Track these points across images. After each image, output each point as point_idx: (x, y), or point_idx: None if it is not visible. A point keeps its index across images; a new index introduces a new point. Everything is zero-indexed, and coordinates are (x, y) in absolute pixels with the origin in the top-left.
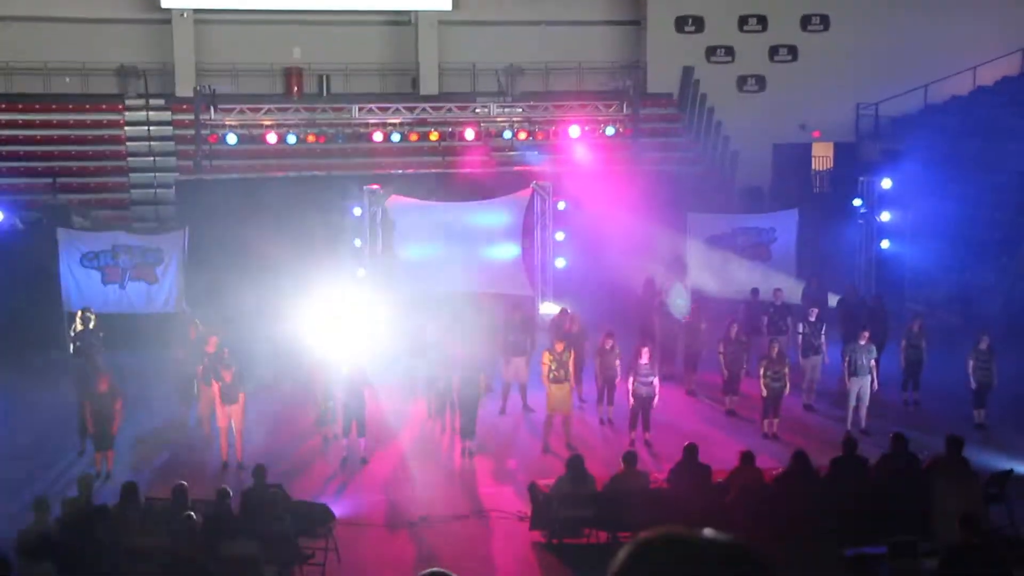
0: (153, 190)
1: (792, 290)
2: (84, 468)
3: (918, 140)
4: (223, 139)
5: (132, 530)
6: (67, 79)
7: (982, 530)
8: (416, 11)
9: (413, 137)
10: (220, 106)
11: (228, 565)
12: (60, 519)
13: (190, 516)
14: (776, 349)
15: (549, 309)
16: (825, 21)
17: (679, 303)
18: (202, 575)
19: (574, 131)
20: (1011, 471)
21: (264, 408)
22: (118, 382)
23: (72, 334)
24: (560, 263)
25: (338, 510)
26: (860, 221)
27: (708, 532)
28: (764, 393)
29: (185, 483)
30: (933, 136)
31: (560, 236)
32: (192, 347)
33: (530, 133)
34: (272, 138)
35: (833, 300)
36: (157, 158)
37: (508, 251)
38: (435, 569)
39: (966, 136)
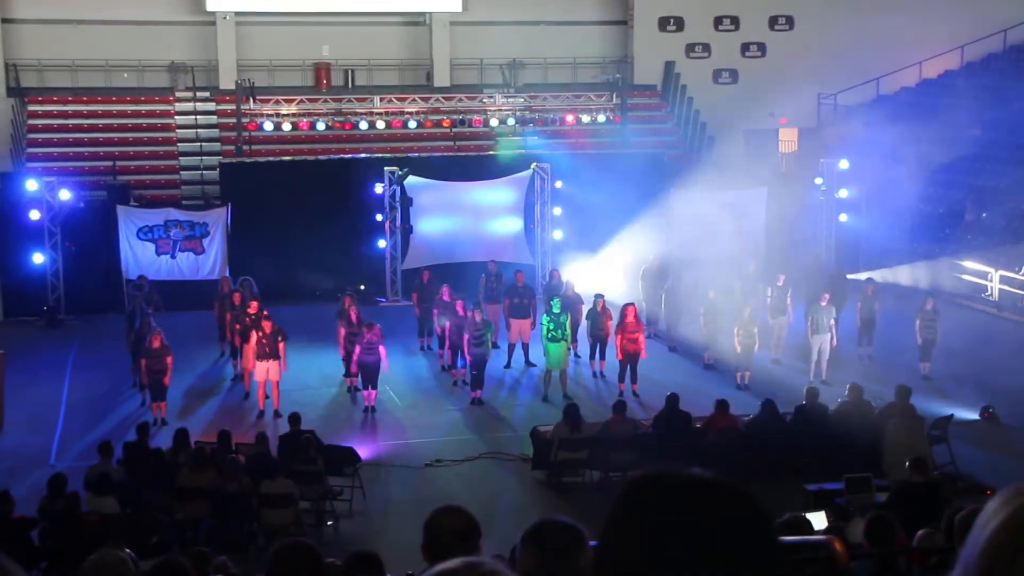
0: (200, 172)
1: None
2: (142, 416)
3: (871, 126)
4: (261, 127)
5: (184, 470)
6: (125, 75)
7: (928, 470)
8: (430, 12)
9: (428, 124)
10: (258, 97)
11: (268, 500)
12: (121, 460)
13: (234, 458)
14: (747, 311)
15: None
16: (790, 21)
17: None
18: (245, 509)
19: (569, 118)
20: (952, 416)
21: (297, 364)
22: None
23: (129, 298)
24: (558, 235)
25: (363, 453)
26: (821, 197)
27: (696, 470)
28: (737, 349)
29: (229, 429)
30: (884, 122)
31: (557, 211)
32: (236, 310)
33: (531, 120)
34: (304, 126)
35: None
36: (203, 144)
37: (512, 224)
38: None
39: (913, 122)
